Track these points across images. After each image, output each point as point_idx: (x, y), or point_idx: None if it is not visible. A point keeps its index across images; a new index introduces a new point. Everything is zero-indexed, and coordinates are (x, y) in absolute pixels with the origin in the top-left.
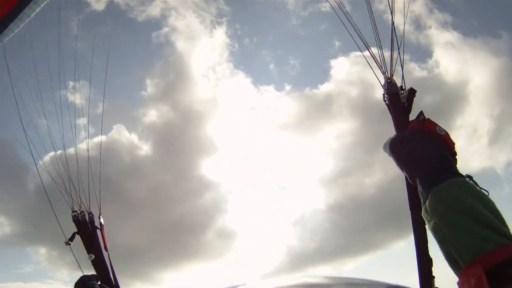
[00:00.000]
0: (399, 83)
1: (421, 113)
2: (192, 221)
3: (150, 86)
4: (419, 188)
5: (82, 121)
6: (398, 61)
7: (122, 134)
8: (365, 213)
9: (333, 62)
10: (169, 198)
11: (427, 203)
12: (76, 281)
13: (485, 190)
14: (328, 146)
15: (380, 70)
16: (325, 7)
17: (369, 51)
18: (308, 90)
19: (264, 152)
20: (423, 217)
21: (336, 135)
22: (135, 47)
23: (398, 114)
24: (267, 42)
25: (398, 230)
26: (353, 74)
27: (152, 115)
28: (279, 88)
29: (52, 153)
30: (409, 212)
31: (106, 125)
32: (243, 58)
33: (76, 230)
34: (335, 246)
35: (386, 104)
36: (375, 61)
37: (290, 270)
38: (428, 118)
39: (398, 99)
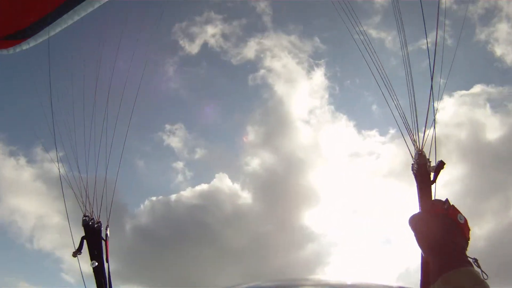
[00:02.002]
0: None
1: (447, 201)
2: (292, 272)
3: (251, 133)
4: (431, 267)
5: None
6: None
7: (224, 183)
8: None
9: (436, 104)
10: (270, 248)
11: (436, 285)
12: None
13: (486, 274)
14: (436, 195)
15: (413, 141)
16: (425, 44)
17: (405, 125)
18: (412, 135)
19: (368, 201)
20: None
21: (445, 183)
22: (233, 90)
23: (423, 184)
24: (369, 83)
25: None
26: (461, 115)
27: (254, 163)
28: (383, 132)
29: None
30: (420, 281)
31: (209, 173)
32: (344, 101)
33: (83, 235)
34: None
35: (414, 173)
36: (409, 134)
37: None
38: (452, 206)
39: (426, 170)
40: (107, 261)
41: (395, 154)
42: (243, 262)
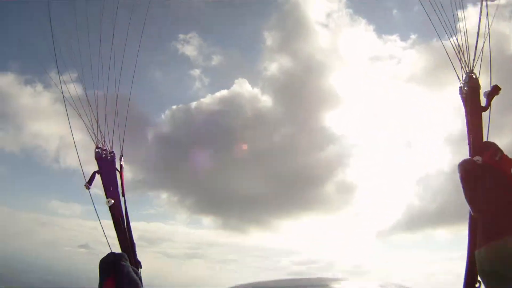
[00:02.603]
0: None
1: (498, 149)
2: (313, 173)
3: (269, 38)
4: (479, 230)
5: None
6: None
7: (244, 88)
8: None
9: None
10: (291, 150)
11: (483, 250)
12: (102, 258)
13: None
14: (457, 103)
15: (461, 62)
16: None
17: (453, 40)
18: (435, 42)
19: (389, 105)
20: (475, 256)
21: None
22: None
23: (473, 111)
24: None
25: None
26: (484, 24)
27: (272, 67)
28: (404, 37)
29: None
30: (467, 237)
31: (228, 79)
32: (363, 5)
33: (97, 169)
34: (456, 210)
35: (462, 98)
36: (456, 52)
37: (407, 229)
38: (504, 156)
39: (477, 95)
40: (123, 195)
41: (416, 59)
42: (266, 164)
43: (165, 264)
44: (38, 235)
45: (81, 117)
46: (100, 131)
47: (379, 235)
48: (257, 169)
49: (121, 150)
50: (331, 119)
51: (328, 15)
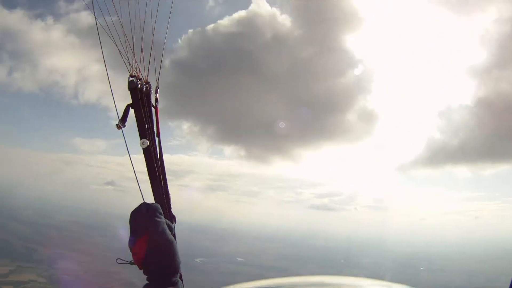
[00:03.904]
0: None
1: None
2: (333, 98)
3: None
4: None
5: None
6: None
7: (262, 7)
8: None
9: None
10: (311, 74)
11: None
12: (134, 210)
13: None
14: (484, 29)
15: None
16: None
17: None
18: None
19: (412, 28)
20: None
21: (496, 18)
22: None
23: None
24: None
25: None
26: None
27: None
28: None
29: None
30: None
31: None
32: None
33: (130, 103)
34: (477, 147)
35: None
36: None
37: (428, 164)
38: None
39: None
40: (158, 136)
41: None
42: (284, 88)
43: (189, 197)
44: (63, 175)
45: (113, 41)
46: (134, 57)
47: (400, 169)
48: (275, 93)
49: (157, 82)
50: (352, 41)
51: None
